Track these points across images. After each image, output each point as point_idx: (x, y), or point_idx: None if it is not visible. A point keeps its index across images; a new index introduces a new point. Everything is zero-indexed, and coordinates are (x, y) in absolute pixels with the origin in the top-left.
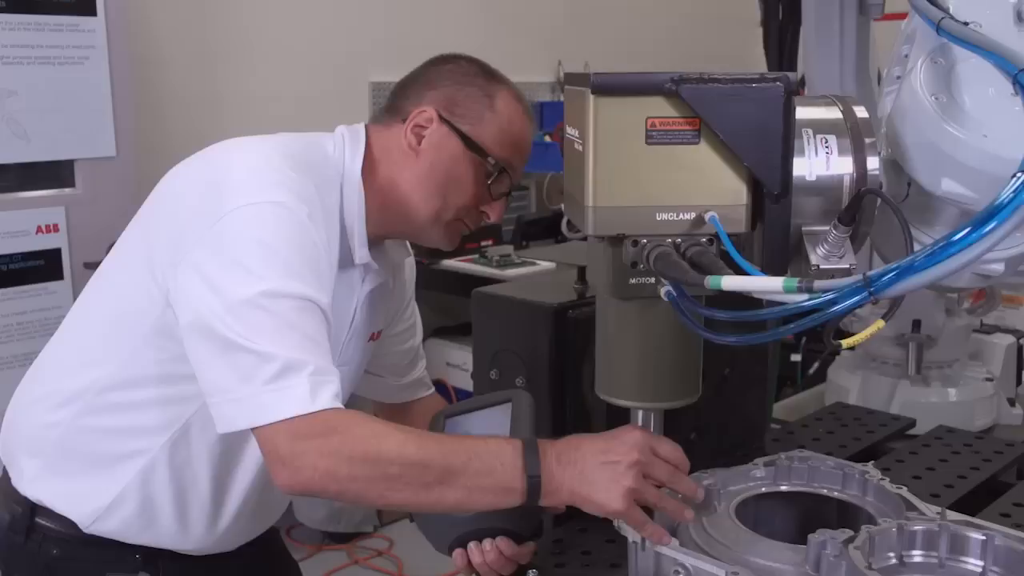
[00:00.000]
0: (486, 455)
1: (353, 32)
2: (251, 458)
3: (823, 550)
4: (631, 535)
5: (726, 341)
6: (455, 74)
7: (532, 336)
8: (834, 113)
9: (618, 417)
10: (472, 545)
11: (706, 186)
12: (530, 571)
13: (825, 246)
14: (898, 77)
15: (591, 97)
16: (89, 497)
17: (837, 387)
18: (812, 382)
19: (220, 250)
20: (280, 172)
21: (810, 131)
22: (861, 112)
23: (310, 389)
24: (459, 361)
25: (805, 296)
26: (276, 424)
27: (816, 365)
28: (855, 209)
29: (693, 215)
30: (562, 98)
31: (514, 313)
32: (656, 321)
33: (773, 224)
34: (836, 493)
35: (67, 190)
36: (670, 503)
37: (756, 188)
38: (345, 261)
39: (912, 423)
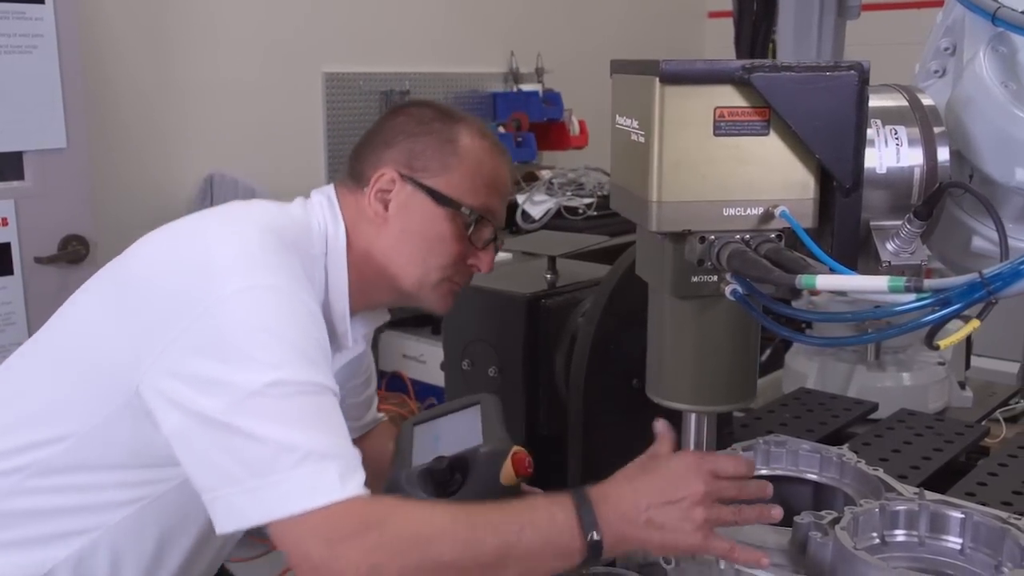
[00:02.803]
0: (539, 521)
1: (307, 22)
2: (193, 528)
3: (809, 531)
4: None
5: (812, 343)
6: (409, 125)
7: (505, 326)
8: (900, 102)
9: (596, 405)
10: None
11: (774, 179)
12: None
13: (897, 241)
14: (936, 71)
15: (658, 86)
16: (15, 571)
17: (795, 373)
18: (764, 369)
19: (216, 341)
20: (270, 253)
21: (879, 121)
22: (927, 100)
23: (338, 476)
24: (416, 353)
25: (912, 296)
26: (302, 517)
27: (768, 352)
28: (935, 203)
29: (761, 210)
30: (515, 89)
31: (486, 303)
32: (716, 321)
33: (843, 219)
34: (815, 476)
35: (16, 183)
36: (751, 513)
37: (824, 181)
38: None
39: (874, 407)
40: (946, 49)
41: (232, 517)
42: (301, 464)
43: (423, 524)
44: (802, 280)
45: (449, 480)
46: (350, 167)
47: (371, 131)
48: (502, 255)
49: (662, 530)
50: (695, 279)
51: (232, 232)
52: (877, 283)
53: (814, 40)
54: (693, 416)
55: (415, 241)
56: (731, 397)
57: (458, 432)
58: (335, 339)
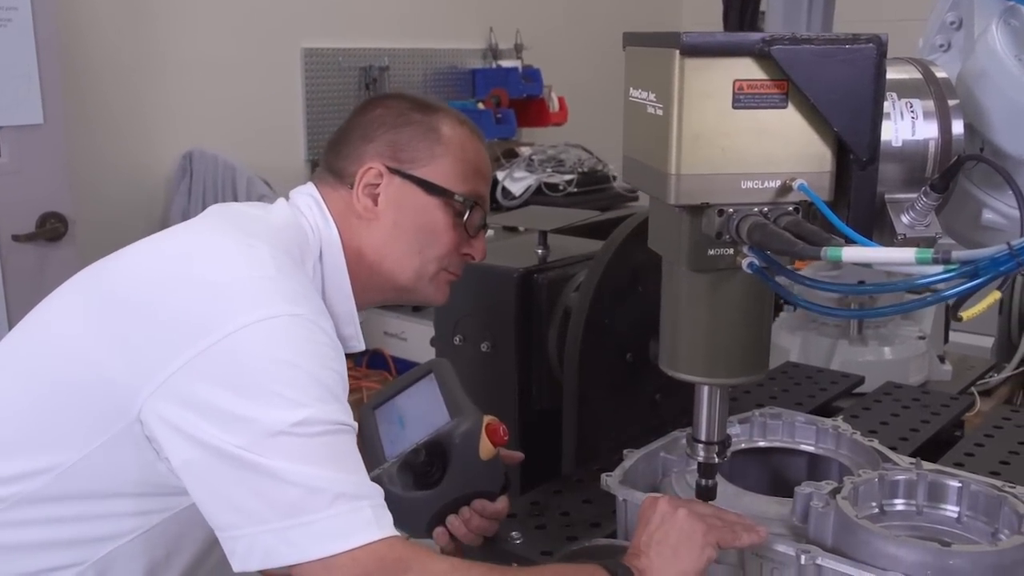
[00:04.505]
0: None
1: None
2: (187, 555)
3: (811, 502)
4: (620, 494)
5: (830, 314)
6: (388, 117)
7: (497, 301)
8: (915, 74)
9: (590, 380)
10: (451, 519)
11: (792, 152)
12: (512, 533)
13: (911, 214)
14: (940, 45)
15: (679, 58)
16: None
17: (778, 348)
18: None
19: (237, 372)
20: (291, 278)
21: (894, 94)
22: (941, 73)
23: (373, 516)
24: (397, 330)
25: (940, 268)
26: (337, 558)
27: None
28: (952, 176)
29: (778, 183)
30: (494, 65)
31: (478, 278)
32: (730, 294)
33: (859, 192)
34: (811, 447)
35: None
36: (746, 536)
37: (840, 155)
38: None
39: (861, 380)
40: (952, 23)
41: (256, 556)
42: (334, 504)
43: (461, 571)
44: (828, 252)
45: (429, 471)
46: (328, 164)
47: (346, 127)
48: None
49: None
50: (711, 252)
51: (244, 252)
52: (904, 255)
53: (804, 15)
54: (706, 389)
55: (409, 233)
56: (744, 369)
57: (420, 409)
58: (342, 345)
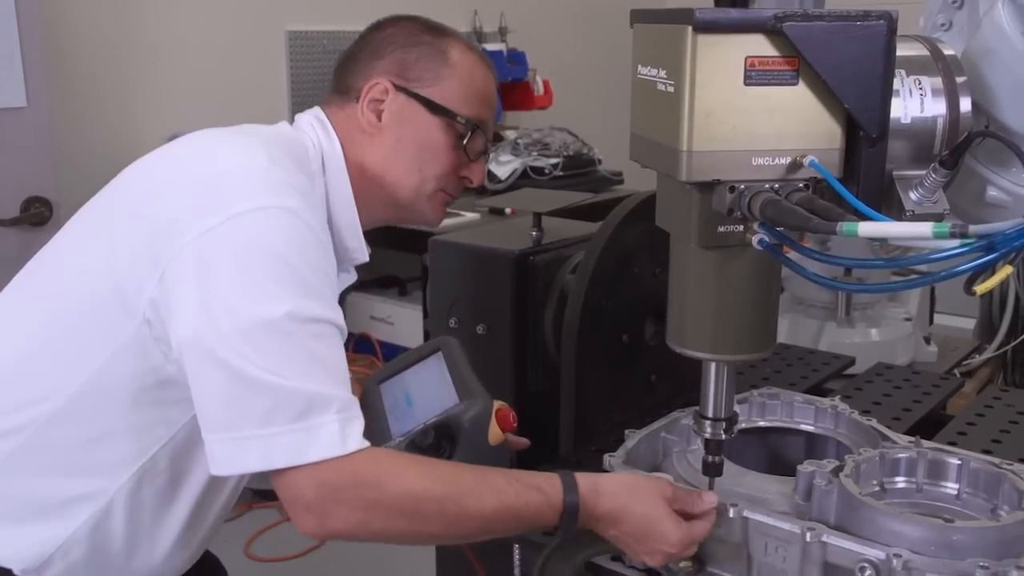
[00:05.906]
0: (527, 478)
1: None
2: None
3: (814, 480)
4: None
5: (845, 289)
6: (399, 36)
7: (493, 283)
8: (922, 52)
9: (587, 361)
10: None
11: (802, 129)
12: None
13: (920, 190)
14: (942, 25)
15: (691, 34)
16: (27, 547)
17: None
18: None
19: (227, 260)
20: (285, 171)
21: (903, 71)
22: (948, 50)
23: (339, 428)
24: (383, 314)
25: (956, 242)
26: (301, 468)
27: None
28: (961, 152)
29: (789, 159)
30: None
31: (473, 260)
32: (739, 271)
33: (869, 169)
34: (811, 427)
35: None
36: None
37: (849, 132)
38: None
39: (852, 361)
40: (953, 2)
41: (227, 461)
42: (303, 416)
43: (414, 482)
44: (843, 227)
45: (437, 453)
46: (336, 83)
47: (357, 45)
48: (470, 215)
49: (621, 545)
50: (721, 229)
51: (236, 148)
52: (921, 229)
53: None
54: (713, 365)
55: (410, 150)
56: (751, 346)
57: (428, 387)
58: (345, 257)
